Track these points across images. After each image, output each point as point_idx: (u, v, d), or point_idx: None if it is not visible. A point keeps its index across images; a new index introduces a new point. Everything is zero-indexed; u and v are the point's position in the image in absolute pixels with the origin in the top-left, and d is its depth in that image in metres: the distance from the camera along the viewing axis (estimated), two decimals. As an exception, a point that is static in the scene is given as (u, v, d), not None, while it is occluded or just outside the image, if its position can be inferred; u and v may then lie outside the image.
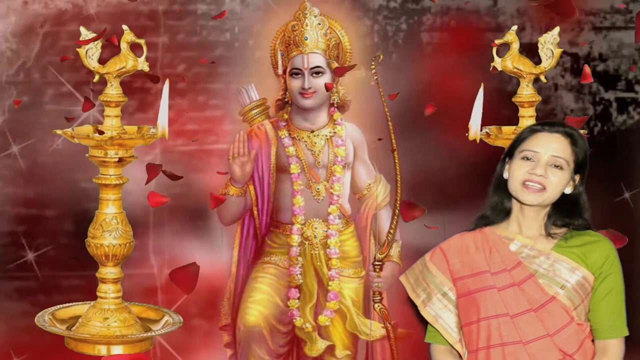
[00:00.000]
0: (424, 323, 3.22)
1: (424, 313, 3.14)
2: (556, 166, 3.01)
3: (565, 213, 3.06)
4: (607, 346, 3.03)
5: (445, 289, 3.10)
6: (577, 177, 3.07)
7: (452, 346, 3.12)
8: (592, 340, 3.05)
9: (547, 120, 3.14)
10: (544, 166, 3.00)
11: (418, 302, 3.15)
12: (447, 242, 3.16)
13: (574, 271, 3.01)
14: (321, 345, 4.27)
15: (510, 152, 3.10)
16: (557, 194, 3.03)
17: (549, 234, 3.05)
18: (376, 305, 4.25)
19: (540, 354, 2.96)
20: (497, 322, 2.99)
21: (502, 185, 3.10)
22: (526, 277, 3.01)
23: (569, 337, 2.98)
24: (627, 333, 3.07)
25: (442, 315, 3.11)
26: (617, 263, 3.05)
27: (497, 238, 3.08)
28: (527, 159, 3.03)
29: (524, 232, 3.08)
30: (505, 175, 3.09)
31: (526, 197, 3.02)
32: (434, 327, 3.13)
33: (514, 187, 3.04)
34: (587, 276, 3.01)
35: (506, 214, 3.11)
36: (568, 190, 3.05)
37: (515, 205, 3.09)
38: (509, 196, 3.09)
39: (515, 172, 3.04)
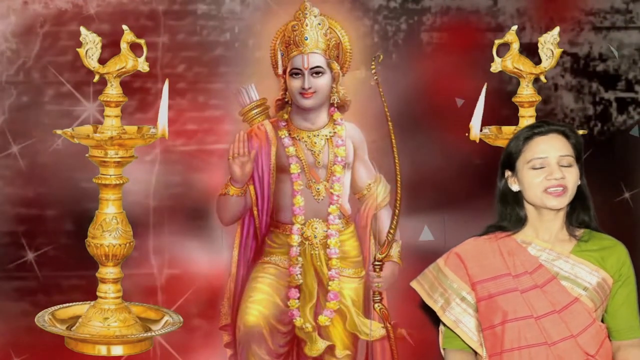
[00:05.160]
0: (437, 327, 3.20)
1: (444, 319, 3.12)
2: (566, 165, 3.02)
3: (580, 207, 3.07)
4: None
5: (464, 293, 3.09)
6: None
7: (473, 350, 3.10)
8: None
9: (532, 124, 3.13)
10: (558, 168, 3.01)
11: (436, 308, 3.13)
12: (461, 246, 3.15)
13: (594, 273, 3.02)
14: (321, 345, 4.27)
15: (509, 165, 3.09)
16: (575, 190, 3.04)
17: (571, 235, 3.06)
18: (376, 305, 4.25)
19: (565, 355, 2.97)
20: (522, 325, 3.00)
21: (511, 198, 3.10)
22: (548, 279, 3.02)
23: (591, 337, 2.99)
24: None
25: (462, 319, 3.10)
26: (632, 268, 3.08)
27: (514, 242, 3.08)
28: (537, 167, 3.03)
29: (540, 236, 3.08)
30: (515, 188, 3.08)
31: (551, 202, 3.02)
32: (454, 332, 3.12)
33: (535, 196, 3.03)
34: (606, 278, 3.03)
35: (522, 223, 3.11)
36: (578, 183, 3.07)
37: (531, 212, 3.09)
38: (521, 206, 3.08)
39: (533, 182, 3.03)
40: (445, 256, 3.17)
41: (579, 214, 3.08)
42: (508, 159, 3.09)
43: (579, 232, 3.08)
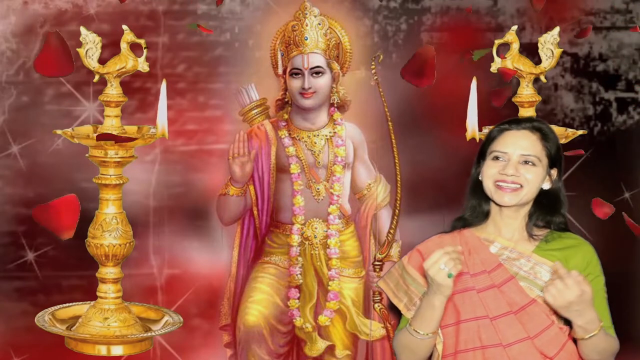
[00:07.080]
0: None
1: (409, 316, 3.09)
2: (527, 162, 2.98)
3: (546, 210, 3.03)
4: None
5: (426, 290, 3.07)
6: (554, 172, 3.03)
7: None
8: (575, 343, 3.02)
9: (515, 118, 3.11)
10: (515, 165, 2.97)
11: (401, 306, 3.08)
12: (424, 243, 3.10)
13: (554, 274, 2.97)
14: (321, 345, 4.28)
15: (482, 153, 3.06)
16: (534, 191, 2.99)
17: (530, 236, 3.02)
18: (376, 305, 4.25)
19: (520, 356, 2.92)
20: (477, 325, 2.95)
21: (479, 188, 3.06)
22: (506, 279, 2.98)
23: (549, 340, 2.94)
24: (614, 335, 3.02)
25: None
26: (599, 266, 3.00)
27: (477, 240, 3.04)
28: (497, 158, 3.00)
29: (503, 234, 3.04)
30: (481, 177, 3.05)
31: (501, 198, 2.98)
32: None
33: (488, 188, 3.00)
34: None
35: (484, 216, 3.07)
36: (546, 186, 3.01)
37: (493, 207, 3.05)
38: (487, 198, 3.05)
39: (487, 172, 2.99)
40: (409, 254, 3.11)
41: (542, 216, 3.03)
42: (482, 145, 3.06)
43: (541, 232, 3.04)
